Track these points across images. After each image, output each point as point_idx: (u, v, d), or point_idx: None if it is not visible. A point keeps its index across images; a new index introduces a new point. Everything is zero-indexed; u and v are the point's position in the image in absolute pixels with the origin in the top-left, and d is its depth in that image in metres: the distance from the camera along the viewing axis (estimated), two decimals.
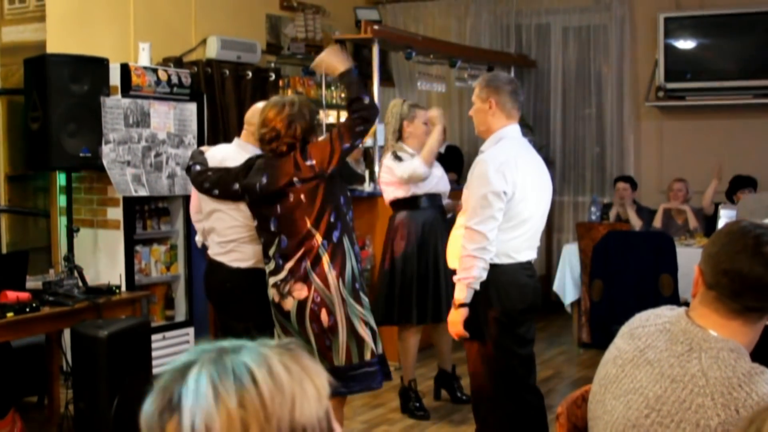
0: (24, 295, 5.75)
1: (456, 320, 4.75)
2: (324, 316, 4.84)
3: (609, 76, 10.55)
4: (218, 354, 1.30)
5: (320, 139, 5.02)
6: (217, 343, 1.35)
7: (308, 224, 4.82)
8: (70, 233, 6.78)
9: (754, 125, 9.85)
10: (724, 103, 9.87)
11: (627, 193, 9.18)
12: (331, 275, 4.84)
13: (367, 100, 4.96)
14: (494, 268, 4.71)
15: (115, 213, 7.22)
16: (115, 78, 7.08)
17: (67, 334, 6.01)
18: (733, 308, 2.40)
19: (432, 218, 6.66)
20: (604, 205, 9.27)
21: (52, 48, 7.22)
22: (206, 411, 1.24)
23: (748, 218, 4.98)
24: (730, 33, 9.85)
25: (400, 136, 6.69)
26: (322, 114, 9.60)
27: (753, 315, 2.42)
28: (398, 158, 6.61)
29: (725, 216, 7.97)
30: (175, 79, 7.45)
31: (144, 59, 7.48)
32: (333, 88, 10.08)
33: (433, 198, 6.72)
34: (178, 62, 8.31)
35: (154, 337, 6.53)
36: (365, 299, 5.02)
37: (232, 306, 5.36)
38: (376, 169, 8.43)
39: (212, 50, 8.69)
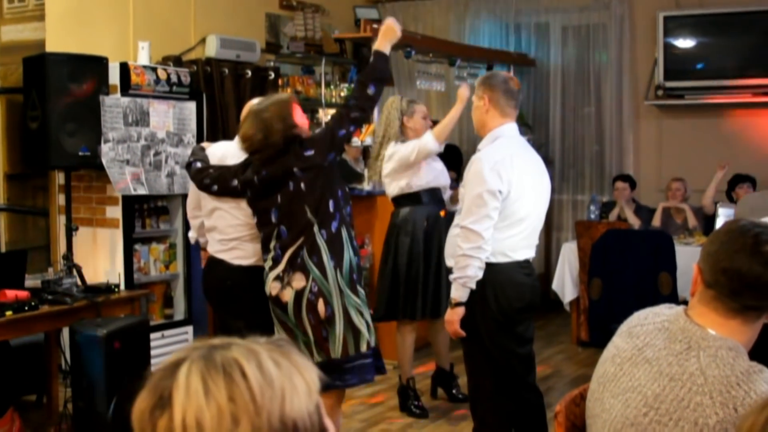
0: (23, 294, 5.75)
1: (452, 319, 4.76)
2: (321, 306, 4.84)
3: (608, 74, 10.54)
4: (208, 350, 1.31)
5: (318, 131, 5.04)
6: (205, 341, 1.36)
7: (308, 213, 4.82)
8: (69, 232, 6.77)
9: (753, 124, 9.85)
10: (723, 101, 9.87)
11: (626, 193, 9.18)
12: (329, 265, 4.84)
13: (371, 91, 4.95)
14: (491, 267, 4.71)
15: (114, 212, 7.22)
16: (114, 77, 7.08)
17: (65, 332, 6.02)
18: (732, 307, 2.40)
19: (434, 213, 6.68)
20: (603, 204, 9.28)
21: (51, 47, 7.22)
22: (197, 406, 1.24)
23: (749, 216, 4.99)
24: (730, 32, 9.85)
25: (401, 132, 6.71)
26: (321, 112, 9.61)
27: (751, 314, 2.42)
28: (402, 143, 6.66)
29: (723, 214, 7.99)
30: (174, 78, 7.46)
31: (143, 58, 7.48)
32: (332, 87, 10.08)
33: (434, 192, 6.74)
34: (178, 61, 8.31)
35: (152, 335, 6.53)
36: (362, 291, 5.01)
37: (232, 304, 5.34)
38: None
39: (211, 49, 8.69)
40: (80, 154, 6.72)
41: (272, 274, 4.94)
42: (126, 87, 7.11)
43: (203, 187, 5.26)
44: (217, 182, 5.16)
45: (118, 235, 7.20)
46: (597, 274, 8.08)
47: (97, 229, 7.31)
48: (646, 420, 2.35)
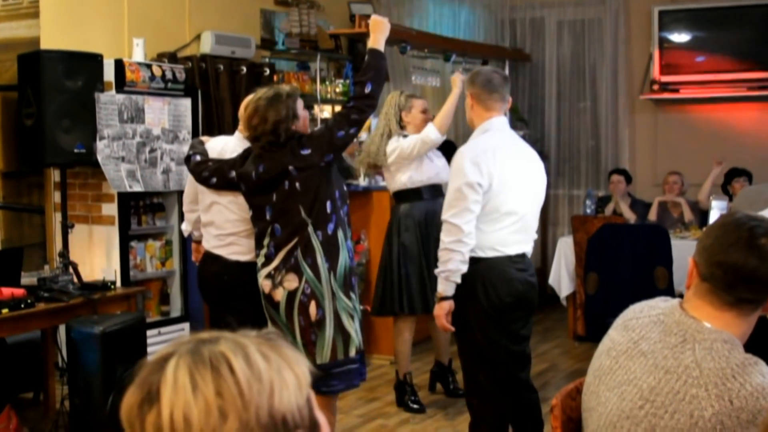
0: (19, 292, 5.75)
1: (439, 313, 4.76)
2: (313, 308, 4.83)
3: (603, 69, 10.55)
4: (196, 345, 1.30)
5: (316, 129, 5.02)
6: (194, 335, 1.35)
7: (302, 213, 4.81)
8: (65, 229, 6.77)
9: (749, 118, 9.87)
10: (718, 95, 9.88)
11: (621, 186, 9.19)
12: (324, 267, 4.83)
13: (368, 90, 4.91)
14: (480, 262, 4.71)
15: (110, 209, 7.21)
16: (109, 74, 7.06)
17: (62, 330, 6.01)
18: (727, 300, 2.40)
19: (433, 209, 6.68)
20: (599, 198, 9.28)
21: (46, 44, 7.20)
22: (184, 401, 1.25)
23: (747, 209, 5.00)
24: (724, 26, 9.86)
25: (400, 126, 6.72)
26: (316, 108, 9.60)
27: (747, 307, 2.42)
28: (404, 137, 6.67)
29: (717, 207, 8.00)
30: (169, 75, 7.45)
31: (138, 55, 7.47)
32: (327, 83, 10.07)
33: (435, 189, 6.74)
34: (173, 58, 8.29)
35: (149, 332, 6.52)
36: (354, 295, 5.00)
37: (229, 299, 5.34)
38: None
39: (206, 45, 8.67)
40: (75, 151, 6.72)
41: (264, 271, 4.94)
42: (121, 84, 7.10)
43: (202, 179, 5.25)
44: (216, 174, 5.15)
45: (114, 232, 7.19)
46: (593, 269, 8.08)
47: (93, 227, 7.30)
48: (642, 413, 2.36)
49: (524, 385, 5.02)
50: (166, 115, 7.40)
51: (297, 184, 4.80)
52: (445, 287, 4.71)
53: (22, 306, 5.62)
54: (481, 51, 10.45)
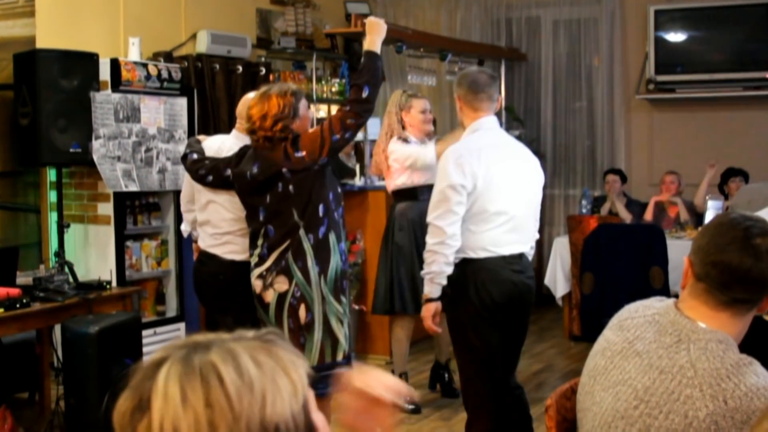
0: (14, 291, 5.74)
1: (425, 315, 4.77)
2: (302, 311, 4.82)
3: (599, 68, 10.55)
4: (187, 352, 1.29)
5: (311, 130, 4.99)
6: (190, 338, 1.35)
7: (295, 216, 4.80)
8: (61, 229, 6.76)
9: (745, 117, 9.87)
10: (714, 95, 9.88)
11: (616, 186, 9.19)
12: (314, 271, 4.82)
13: (365, 94, 4.85)
14: (473, 263, 4.70)
15: (106, 208, 7.20)
16: (105, 73, 7.06)
17: (57, 329, 6.01)
18: (722, 300, 2.40)
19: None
20: (594, 198, 9.29)
21: (41, 43, 7.20)
22: (174, 413, 1.24)
23: (746, 208, 5.00)
24: (721, 25, 9.86)
25: (402, 126, 6.71)
26: (312, 108, 9.60)
27: (742, 307, 2.43)
28: (405, 141, 6.64)
29: (713, 207, 8.01)
30: (165, 74, 7.44)
31: (134, 54, 7.46)
32: (323, 82, 10.07)
33: (432, 189, 6.72)
34: (168, 57, 8.29)
35: (145, 332, 6.51)
36: (344, 300, 4.98)
37: (224, 299, 5.34)
38: (367, 163, 8.44)
39: (202, 45, 8.67)
40: (71, 150, 6.72)
41: (256, 271, 4.94)
42: (117, 83, 7.10)
43: (198, 177, 5.25)
44: (212, 173, 5.14)
45: (110, 231, 7.19)
46: (589, 269, 8.08)
47: (89, 226, 7.29)
48: (637, 413, 2.36)
49: (512, 385, 5.01)
50: (162, 114, 7.40)
51: (290, 187, 4.79)
52: (431, 289, 4.71)
53: (18, 306, 5.61)
54: (477, 50, 10.45)
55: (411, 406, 6.63)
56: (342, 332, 4.94)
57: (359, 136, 8.67)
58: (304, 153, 4.78)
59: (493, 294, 4.69)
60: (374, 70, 4.94)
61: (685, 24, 10.10)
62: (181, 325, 7.64)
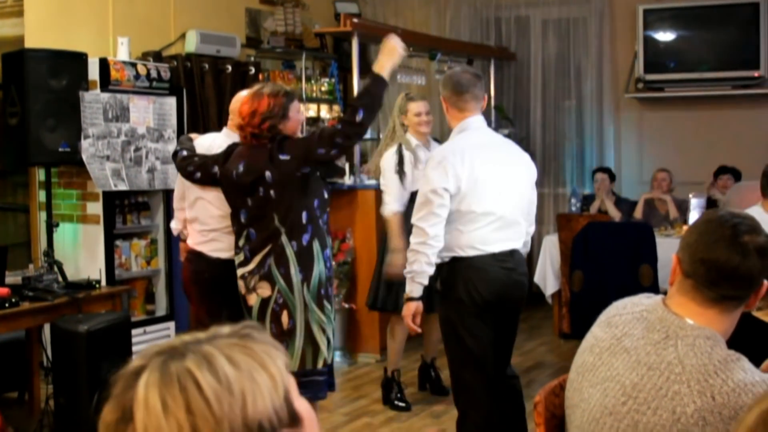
0: (3, 291, 5.73)
1: (405, 314, 4.82)
2: (285, 318, 4.80)
3: (588, 67, 10.57)
4: (164, 360, 1.30)
5: (301, 136, 4.97)
6: (166, 343, 1.36)
7: (276, 221, 4.76)
8: (50, 228, 6.75)
9: (733, 116, 9.90)
10: (703, 94, 9.91)
11: (605, 184, 9.21)
12: (297, 278, 4.78)
13: (359, 118, 4.76)
14: (461, 261, 4.74)
15: (95, 208, 7.20)
16: (94, 73, 7.06)
17: (47, 329, 6.00)
18: (710, 297, 2.41)
19: None
20: (584, 197, 9.30)
21: (30, 43, 7.19)
22: (157, 422, 1.25)
23: (739, 205, 5.03)
24: (709, 24, 9.89)
25: (404, 129, 6.70)
26: (302, 107, 9.59)
27: (729, 304, 2.43)
28: (400, 154, 6.58)
29: (696, 205, 8.03)
30: (154, 74, 7.44)
31: (123, 54, 7.45)
32: (313, 81, 10.08)
33: None
34: (158, 56, 8.29)
35: (134, 331, 6.51)
36: (328, 307, 4.94)
37: (210, 297, 5.33)
38: (357, 161, 8.45)
39: (191, 44, 8.66)
40: (60, 150, 6.71)
41: (240, 272, 4.92)
42: (106, 83, 7.09)
43: (187, 174, 5.24)
44: (201, 170, 5.13)
45: (99, 231, 7.18)
46: (578, 267, 8.09)
47: (78, 226, 7.29)
48: (625, 409, 2.36)
49: (506, 374, 5.08)
50: (151, 113, 7.39)
51: (271, 192, 4.75)
52: (412, 288, 4.76)
53: (7, 305, 5.60)
54: (466, 50, 10.47)
55: (401, 404, 6.68)
56: (324, 340, 4.90)
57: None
58: (289, 157, 4.74)
59: (482, 291, 4.73)
60: (375, 95, 4.86)
61: (673, 23, 10.12)
62: (171, 325, 7.63)
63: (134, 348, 6.13)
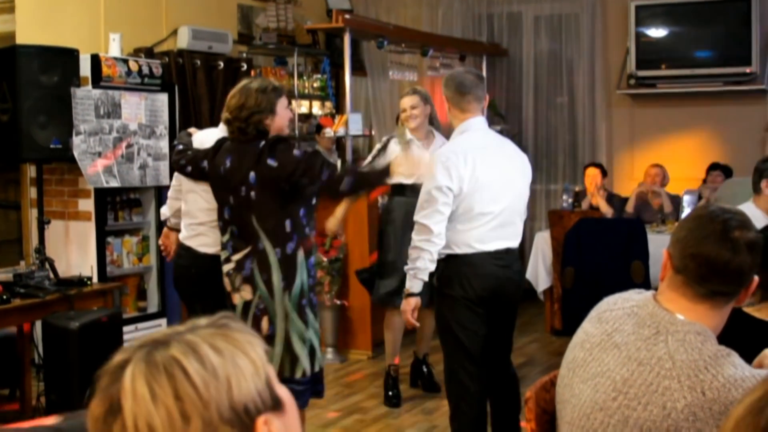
0: None
1: (404, 309, 4.86)
2: (264, 324, 4.77)
3: (581, 64, 10.58)
4: (149, 350, 1.33)
5: (295, 151, 4.75)
6: (147, 336, 1.38)
7: (254, 223, 4.71)
8: (41, 225, 6.74)
9: (725, 112, 9.91)
10: (695, 90, 9.91)
11: (597, 179, 9.22)
12: (278, 286, 4.73)
13: (342, 187, 4.70)
14: (458, 258, 4.80)
15: (87, 204, 7.19)
16: (85, 69, 7.04)
17: (38, 326, 5.99)
18: (701, 292, 2.42)
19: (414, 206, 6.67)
20: (575, 193, 9.30)
21: (21, 39, 7.17)
22: (146, 411, 1.28)
23: (731, 201, 5.04)
24: (701, 20, 9.90)
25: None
26: (294, 104, 9.60)
27: (720, 299, 2.44)
28: (384, 144, 6.78)
29: (688, 201, 8.05)
30: (146, 70, 7.43)
31: (114, 50, 7.44)
32: (305, 78, 10.08)
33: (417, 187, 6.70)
34: (149, 53, 8.27)
35: (126, 328, 6.51)
36: (311, 315, 4.86)
37: (198, 292, 5.31)
38: (349, 158, 8.45)
39: (183, 40, 8.65)
40: (52, 146, 6.69)
41: (224, 268, 4.87)
42: (97, 79, 7.08)
43: (179, 167, 5.23)
44: (191, 164, 5.11)
45: (91, 227, 7.18)
46: (570, 263, 8.11)
47: (70, 222, 7.28)
48: (615, 404, 2.37)
49: (504, 370, 5.17)
50: (143, 110, 7.38)
51: (252, 194, 4.69)
52: (413, 284, 4.81)
53: None
54: (458, 46, 10.46)
55: (395, 399, 6.69)
56: (303, 351, 4.81)
57: (340, 131, 8.68)
58: (276, 164, 4.67)
59: (476, 286, 4.81)
60: (370, 184, 4.93)
61: (665, 19, 10.12)
62: (163, 321, 7.62)
63: (126, 345, 6.11)
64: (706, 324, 2.40)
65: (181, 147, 5.29)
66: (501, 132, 6.36)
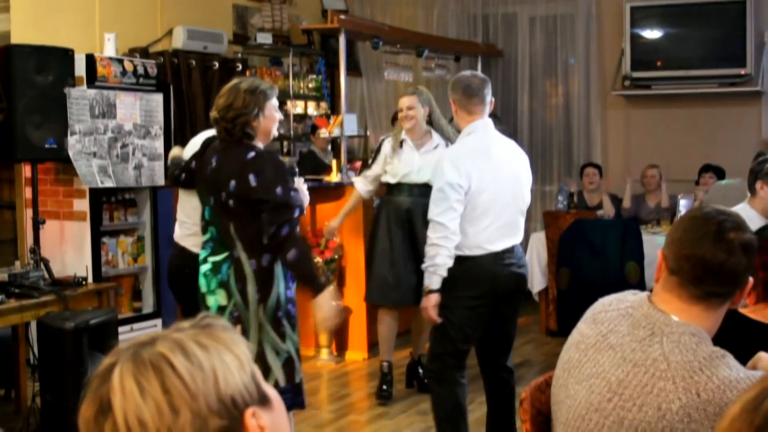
0: None
1: (426, 305, 4.92)
2: (238, 330, 4.69)
3: (576, 65, 10.58)
4: (135, 350, 1.35)
5: (278, 189, 4.57)
6: (133, 339, 1.40)
7: (231, 229, 4.63)
8: (36, 225, 6.73)
9: (720, 114, 9.92)
10: (689, 91, 9.93)
11: (596, 179, 9.26)
12: (253, 298, 4.63)
13: (291, 257, 4.56)
14: (467, 260, 4.88)
15: (82, 204, 7.18)
16: (80, 69, 7.03)
17: (33, 326, 5.99)
18: (695, 294, 2.42)
19: (407, 206, 6.66)
20: (570, 194, 9.31)
21: (16, 39, 7.17)
22: (135, 406, 1.30)
23: (721, 202, 5.05)
24: (696, 22, 9.91)
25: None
26: (289, 104, 9.60)
27: (715, 300, 2.44)
28: (378, 151, 6.86)
29: (684, 206, 8.06)
30: (141, 70, 7.42)
31: (110, 50, 7.44)
32: (300, 78, 10.07)
33: (414, 188, 6.68)
34: (144, 53, 8.27)
35: (121, 329, 6.50)
36: (288, 327, 4.73)
37: (191, 292, 5.27)
38: (344, 158, 8.45)
39: (178, 40, 8.65)
40: (47, 146, 6.68)
41: (201, 268, 4.82)
42: (92, 79, 7.07)
43: (174, 179, 5.25)
44: (184, 170, 5.12)
45: (86, 228, 7.17)
46: (565, 264, 8.11)
47: (65, 222, 7.27)
48: (610, 405, 2.37)
49: (503, 366, 5.31)
50: (138, 110, 7.38)
51: (231, 202, 4.60)
52: (432, 280, 4.88)
53: None
54: (454, 47, 10.47)
55: (385, 394, 6.71)
56: (277, 363, 4.70)
57: (335, 132, 8.68)
58: (255, 184, 4.53)
59: (481, 286, 4.93)
60: (305, 272, 4.73)
61: (660, 20, 10.14)
62: (158, 322, 7.61)
63: (121, 346, 6.11)
64: (701, 325, 2.40)
65: (173, 163, 5.35)
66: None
